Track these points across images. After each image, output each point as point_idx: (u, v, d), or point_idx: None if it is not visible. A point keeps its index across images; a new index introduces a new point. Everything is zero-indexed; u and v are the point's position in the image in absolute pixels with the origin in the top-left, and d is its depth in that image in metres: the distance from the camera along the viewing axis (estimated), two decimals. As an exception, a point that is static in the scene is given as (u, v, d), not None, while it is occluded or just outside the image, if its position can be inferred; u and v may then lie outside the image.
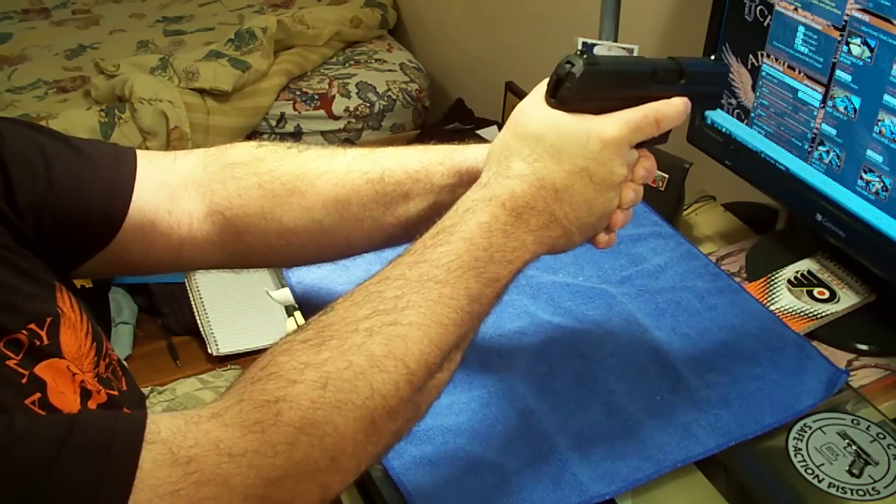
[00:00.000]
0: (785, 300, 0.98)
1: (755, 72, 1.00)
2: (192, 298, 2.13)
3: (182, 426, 0.52)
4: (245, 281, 2.09)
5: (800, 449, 0.80)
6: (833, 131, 0.91)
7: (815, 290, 0.99)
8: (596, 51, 1.21)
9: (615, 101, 0.66)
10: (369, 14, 2.60)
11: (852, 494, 0.76)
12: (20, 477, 0.48)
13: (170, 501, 0.49)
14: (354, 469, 0.57)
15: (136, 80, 2.15)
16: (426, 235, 0.63)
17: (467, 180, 0.71)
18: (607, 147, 0.64)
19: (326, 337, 0.57)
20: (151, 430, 0.51)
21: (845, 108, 0.89)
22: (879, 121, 0.85)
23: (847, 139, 0.90)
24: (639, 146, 0.68)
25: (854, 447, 0.80)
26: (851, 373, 0.89)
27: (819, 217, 0.95)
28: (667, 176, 1.08)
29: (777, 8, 0.95)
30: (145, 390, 1.76)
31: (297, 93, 2.34)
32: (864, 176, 0.89)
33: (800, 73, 0.94)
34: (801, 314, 0.96)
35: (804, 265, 1.02)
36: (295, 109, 2.32)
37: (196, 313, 2.10)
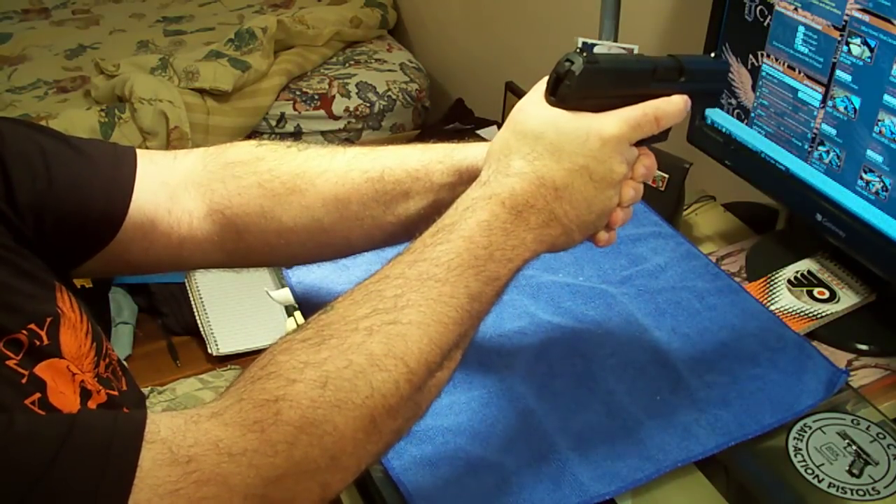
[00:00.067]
0: (785, 300, 0.98)
1: (755, 72, 1.00)
2: (192, 298, 2.12)
3: (182, 425, 0.52)
4: (245, 281, 2.09)
5: (800, 449, 0.79)
6: (833, 131, 0.91)
7: (815, 290, 0.99)
8: (596, 51, 1.21)
9: (615, 99, 0.66)
10: (369, 14, 2.60)
11: (852, 494, 0.76)
12: (20, 476, 0.48)
13: (169, 501, 0.49)
14: (354, 468, 0.57)
15: (136, 80, 2.15)
16: (426, 234, 0.63)
17: (467, 179, 0.71)
18: (607, 145, 0.64)
19: (326, 336, 0.57)
20: (151, 429, 0.51)
21: (845, 108, 0.89)
22: (879, 121, 0.85)
23: (847, 139, 0.90)
24: (639, 144, 0.67)
25: (854, 447, 0.79)
26: (851, 373, 0.89)
27: (819, 217, 0.95)
28: (667, 176, 1.08)
29: (777, 8, 0.94)
30: (145, 390, 1.76)
31: (297, 93, 2.34)
32: (864, 176, 0.89)
33: (800, 73, 0.94)
34: (801, 314, 0.96)
35: (804, 265, 1.02)
36: (295, 109, 2.32)
37: (196, 313, 2.10)
